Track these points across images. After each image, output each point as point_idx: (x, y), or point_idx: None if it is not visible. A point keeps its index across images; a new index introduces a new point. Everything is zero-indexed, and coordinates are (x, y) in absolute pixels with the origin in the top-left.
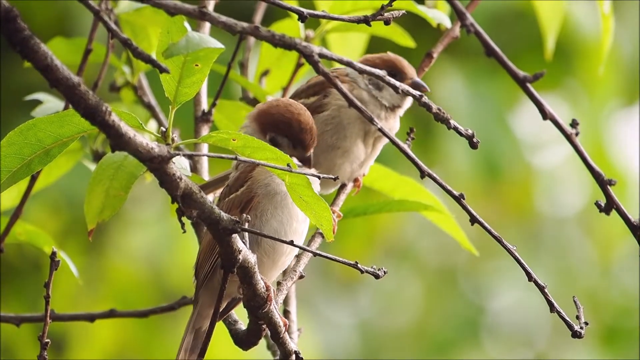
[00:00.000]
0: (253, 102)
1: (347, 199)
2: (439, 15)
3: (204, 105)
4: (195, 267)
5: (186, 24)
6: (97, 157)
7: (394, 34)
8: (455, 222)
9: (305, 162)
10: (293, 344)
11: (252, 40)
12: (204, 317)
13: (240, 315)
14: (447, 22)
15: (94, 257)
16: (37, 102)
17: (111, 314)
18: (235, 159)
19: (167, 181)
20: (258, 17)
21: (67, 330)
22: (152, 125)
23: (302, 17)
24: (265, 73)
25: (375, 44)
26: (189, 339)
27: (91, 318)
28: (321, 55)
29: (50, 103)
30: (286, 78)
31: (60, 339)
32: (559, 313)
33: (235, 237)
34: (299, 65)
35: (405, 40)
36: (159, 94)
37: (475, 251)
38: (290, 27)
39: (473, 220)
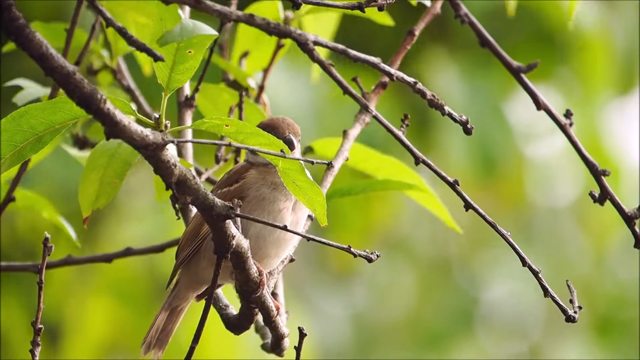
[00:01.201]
0: (233, 84)
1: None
2: None
3: (187, 90)
4: (177, 250)
5: (180, 12)
6: (77, 141)
7: (374, 13)
8: (439, 201)
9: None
10: (285, 328)
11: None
12: (181, 297)
13: (231, 300)
14: (427, 1)
15: (88, 247)
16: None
17: (127, 252)
18: (229, 144)
19: (162, 168)
20: None
21: (62, 320)
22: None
23: (296, 4)
24: (244, 55)
25: (348, 23)
26: (163, 316)
27: (108, 259)
28: (316, 43)
29: (30, 89)
30: (266, 59)
31: (54, 328)
32: (552, 297)
33: (229, 223)
34: (279, 46)
35: (384, 19)
36: (137, 77)
37: (460, 229)
38: (268, 8)
39: (467, 206)
